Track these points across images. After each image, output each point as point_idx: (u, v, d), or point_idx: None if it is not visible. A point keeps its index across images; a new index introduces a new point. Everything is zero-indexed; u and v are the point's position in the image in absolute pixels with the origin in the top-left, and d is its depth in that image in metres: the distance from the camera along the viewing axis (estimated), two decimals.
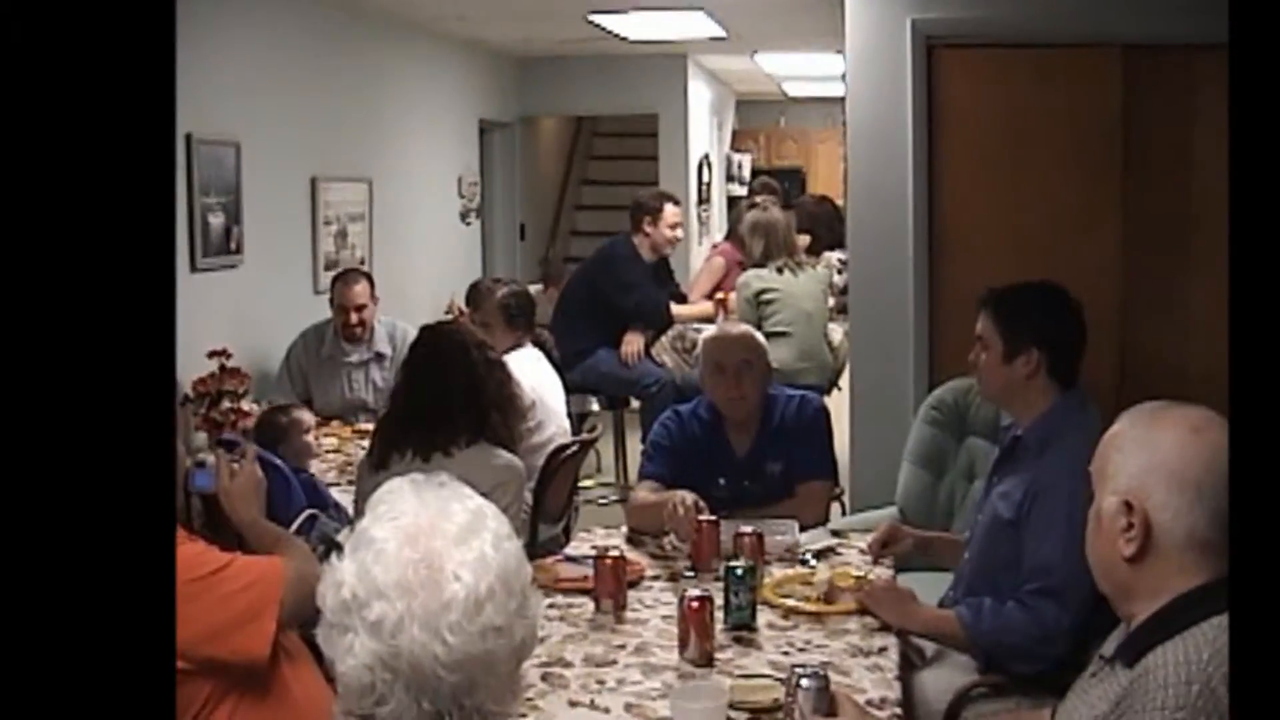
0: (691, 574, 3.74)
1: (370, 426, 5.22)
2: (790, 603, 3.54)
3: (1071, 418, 3.49)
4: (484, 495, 1.86)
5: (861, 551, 4.02)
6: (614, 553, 3.55)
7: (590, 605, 3.52)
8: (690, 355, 7.39)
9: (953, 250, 5.87)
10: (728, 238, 8.80)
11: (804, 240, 8.04)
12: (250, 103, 6.97)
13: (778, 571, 3.81)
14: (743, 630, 3.34)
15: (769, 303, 7.15)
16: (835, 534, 4.24)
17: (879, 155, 5.88)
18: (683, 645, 3.15)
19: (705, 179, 13.76)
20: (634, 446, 7.25)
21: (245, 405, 5.82)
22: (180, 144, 6.28)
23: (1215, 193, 5.32)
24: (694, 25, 9.47)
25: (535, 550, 4.72)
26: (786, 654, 3.21)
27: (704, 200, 13.72)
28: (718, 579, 3.47)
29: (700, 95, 13.34)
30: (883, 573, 3.83)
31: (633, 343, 7.69)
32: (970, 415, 4.74)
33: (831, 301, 7.76)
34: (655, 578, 3.83)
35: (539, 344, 6.29)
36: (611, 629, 3.41)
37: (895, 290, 5.89)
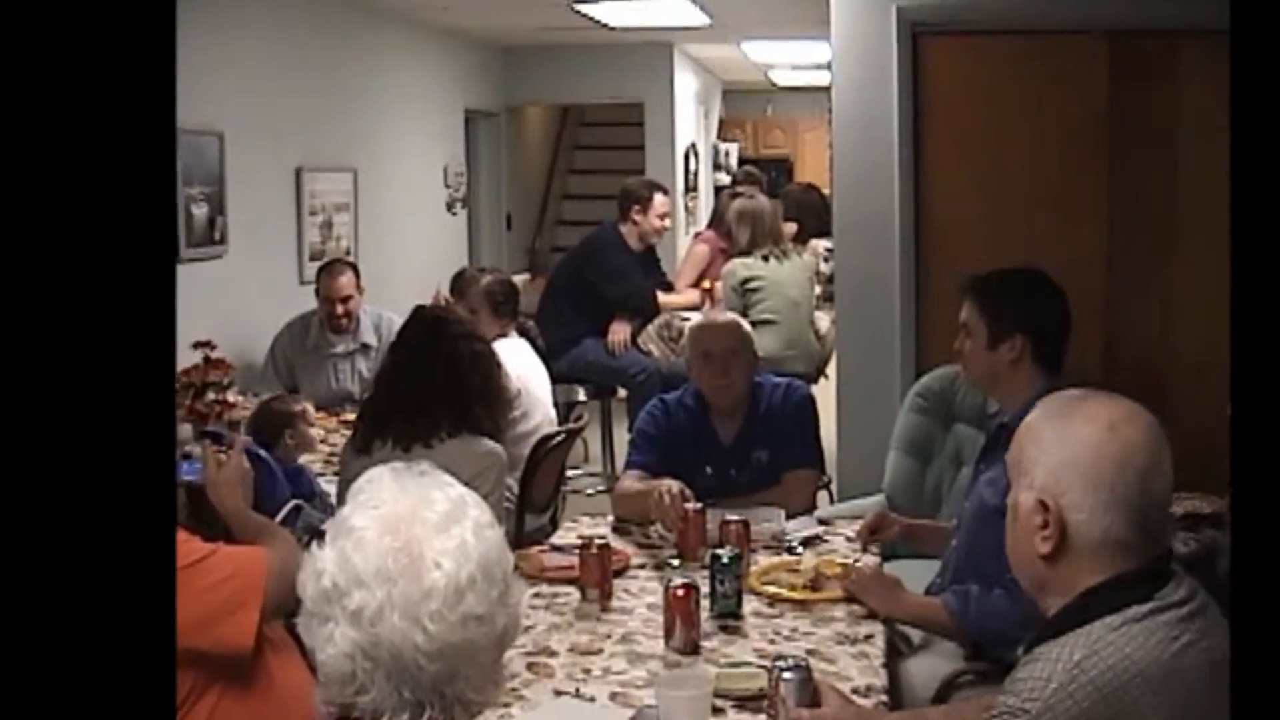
0: (677, 562, 3.74)
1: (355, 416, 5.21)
2: (776, 590, 3.54)
3: None
4: (465, 484, 1.85)
5: (848, 539, 4.01)
6: (599, 542, 3.55)
7: (576, 594, 3.52)
8: (677, 344, 7.38)
9: (939, 238, 5.86)
10: (710, 225, 8.79)
11: (790, 228, 8.03)
12: (234, 93, 6.95)
13: (764, 560, 3.81)
14: (729, 618, 3.33)
15: (755, 290, 7.15)
16: (822, 522, 4.24)
17: (865, 142, 5.87)
18: (668, 634, 3.15)
19: (692, 168, 13.75)
20: (621, 436, 7.24)
21: (230, 396, 5.80)
22: None
23: (1201, 180, 5.41)
24: (678, 12, 9.46)
25: (521, 539, 4.72)
26: (773, 642, 3.21)
27: (691, 189, 13.71)
28: (704, 567, 3.46)
29: (686, 84, 13.33)
30: (869, 560, 3.82)
31: (619, 332, 7.69)
32: (957, 402, 4.74)
33: (818, 290, 7.76)
34: (641, 566, 3.83)
35: (524, 333, 6.29)
36: (597, 618, 3.40)
37: (881, 278, 5.88)
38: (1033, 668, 2.02)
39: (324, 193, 8.09)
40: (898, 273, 5.85)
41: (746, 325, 4.62)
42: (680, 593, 3.12)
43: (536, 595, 3.57)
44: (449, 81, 10.67)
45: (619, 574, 3.68)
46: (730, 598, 3.35)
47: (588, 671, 3.04)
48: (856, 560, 3.76)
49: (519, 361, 5.56)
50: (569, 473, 6.65)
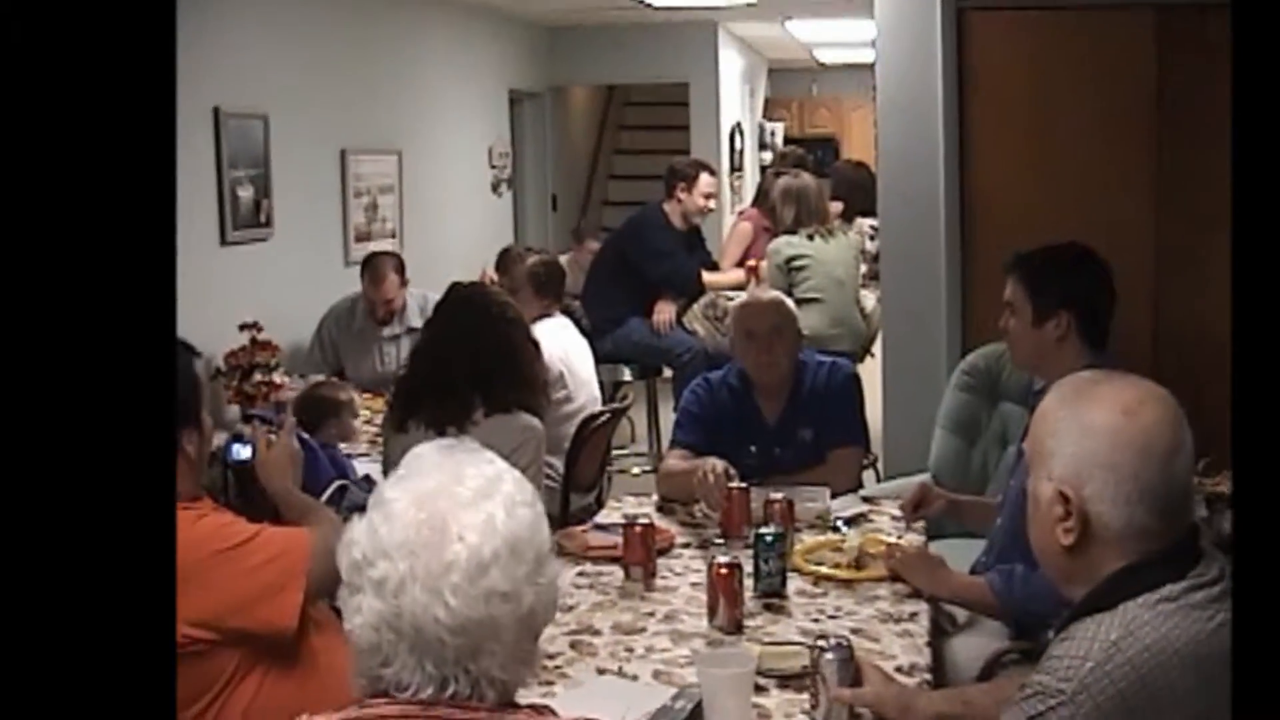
0: (721, 541, 3.73)
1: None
2: (821, 569, 3.53)
3: None
4: (504, 459, 1.85)
5: (893, 518, 4.00)
6: (643, 521, 3.54)
7: (619, 573, 3.51)
8: (722, 323, 7.35)
9: (985, 216, 5.82)
10: (755, 204, 8.76)
11: (836, 207, 8.00)
12: (279, 75, 6.98)
13: (808, 538, 3.80)
14: (773, 597, 3.33)
15: (800, 269, 7.12)
16: (866, 500, 4.23)
17: (910, 120, 5.83)
18: (711, 612, 3.14)
19: (738, 147, 13.71)
20: (667, 415, 7.23)
21: (276, 378, 5.85)
22: (209, 118, 6.30)
23: None
24: None
25: (567, 519, 4.73)
26: (816, 621, 3.20)
27: (736, 169, 13.68)
28: (748, 546, 3.45)
29: (732, 63, 13.29)
30: (914, 539, 3.81)
31: (664, 311, 7.68)
32: (1003, 380, 4.71)
33: (864, 268, 7.72)
34: (685, 545, 3.83)
35: (567, 312, 6.28)
36: (640, 596, 3.40)
37: (927, 256, 5.84)
38: (1067, 646, 2.00)
39: (369, 175, 8.12)
40: (943, 250, 5.81)
41: (791, 304, 4.61)
42: (724, 571, 3.11)
43: (580, 574, 3.57)
44: (493, 62, 10.66)
45: (663, 553, 3.68)
46: (774, 576, 3.34)
47: (630, 650, 3.04)
48: (901, 538, 3.75)
49: (562, 342, 5.56)
50: (615, 452, 6.65)
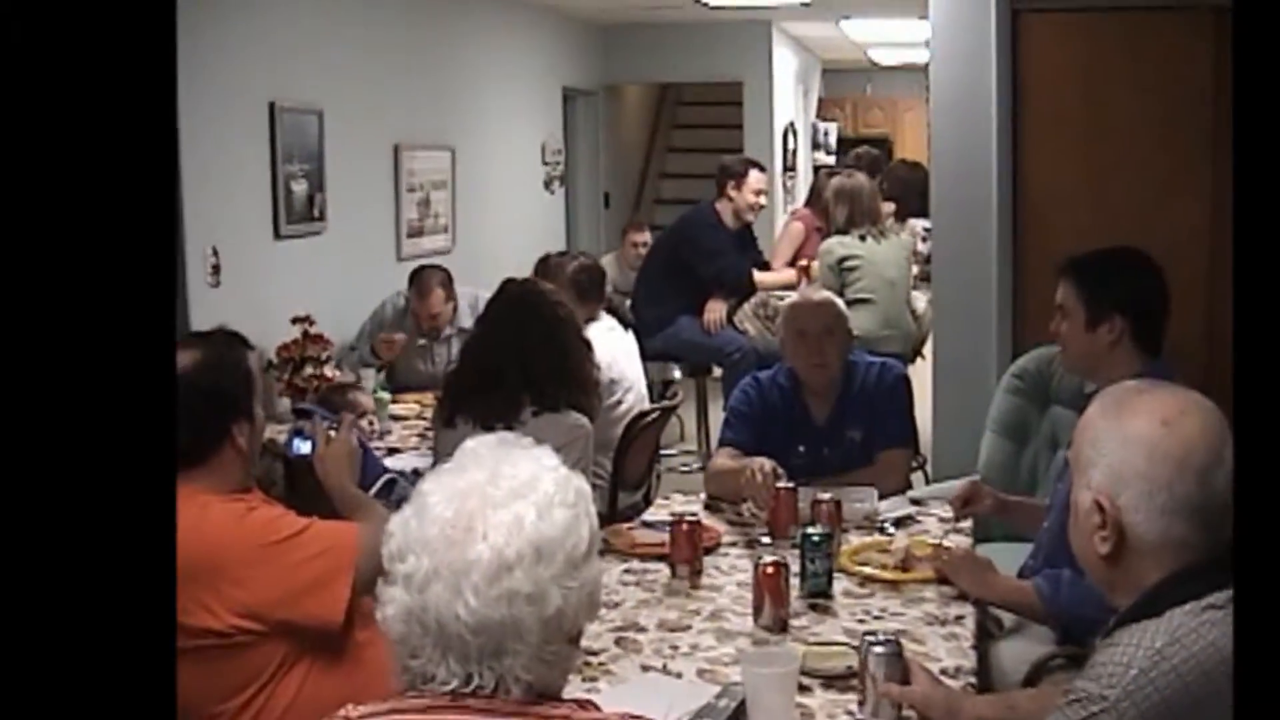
0: (768, 541, 3.72)
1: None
2: (867, 570, 3.52)
3: None
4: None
5: (941, 520, 3.98)
6: (690, 519, 3.55)
7: (666, 571, 3.52)
8: (773, 323, 7.32)
9: (1037, 218, 5.78)
10: (807, 204, 8.74)
11: (889, 208, 7.98)
12: (333, 70, 7.01)
13: (855, 539, 3.80)
14: (819, 598, 3.33)
15: (852, 269, 7.11)
16: (914, 502, 4.21)
17: (963, 122, 5.81)
18: (757, 612, 3.14)
19: (791, 147, 13.68)
20: (716, 414, 7.21)
21: (328, 371, 5.88)
22: (264, 111, 6.33)
23: None
24: None
25: (615, 516, 4.73)
26: (862, 622, 3.20)
27: (790, 169, 13.65)
28: (795, 546, 3.45)
29: (785, 62, 13.26)
30: (961, 541, 3.79)
31: (715, 310, 7.68)
32: (1054, 384, 4.68)
33: (915, 269, 7.69)
34: (732, 544, 3.83)
35: (612, 310, 6.27)
36: (686, 594, 3.41)
37: (979, 258, 5.81)
38: (1112, 652, 1.99)
39: (422, 170, 8.15)
40: (995, 253, 5.78)
41: (842, 304, 4.60)
42: (770, 571, 3.11)
43: (627, 571, 3.58)
44: (547, 60, 10.69)
45: (709, 551, 3.68)
46: (820, 577, 3.34)
47: (675, 648, 3.04)
48: (948, 541, 3.73)
49: (609, 344, 5.54)
50: (664, 450, 6.65)
